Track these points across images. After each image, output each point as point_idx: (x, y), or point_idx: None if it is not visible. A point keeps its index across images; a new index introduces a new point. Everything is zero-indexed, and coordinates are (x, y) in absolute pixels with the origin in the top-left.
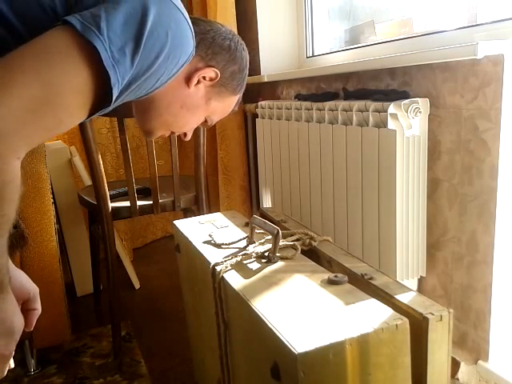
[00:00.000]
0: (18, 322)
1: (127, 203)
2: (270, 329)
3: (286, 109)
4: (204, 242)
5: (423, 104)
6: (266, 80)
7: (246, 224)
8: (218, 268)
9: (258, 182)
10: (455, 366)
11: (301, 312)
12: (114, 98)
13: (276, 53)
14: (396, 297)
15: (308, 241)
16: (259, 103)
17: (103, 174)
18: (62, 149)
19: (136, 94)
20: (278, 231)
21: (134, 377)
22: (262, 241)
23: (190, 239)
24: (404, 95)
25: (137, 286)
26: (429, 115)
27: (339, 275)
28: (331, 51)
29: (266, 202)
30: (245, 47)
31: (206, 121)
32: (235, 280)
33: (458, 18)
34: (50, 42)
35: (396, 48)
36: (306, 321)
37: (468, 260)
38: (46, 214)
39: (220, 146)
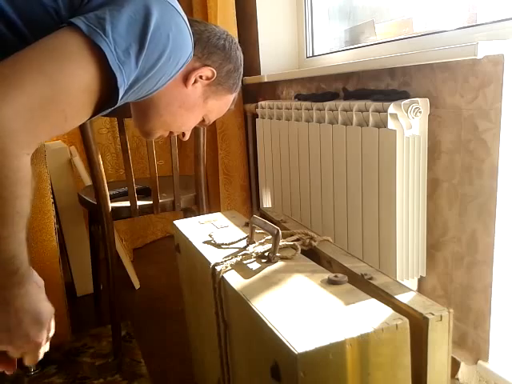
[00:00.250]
0: (47, 309)
1: (127, 203)
2: (270, 329)
3: (286, 109)
4: (204, 242)
5: (423, 104)
6: (265, 80)
7: (246, 224)
8: (218, 268)
9: (258, 182)
10: (455, 366)
11: (301, 312)
12: (119, 98)
13: (276, 53)
14: (396, 297)
15: (308, 241)
16: (259, 103)
17: (103, 174)
18: (62, 149)
19: (137, 94)
20: (278, 231)
21: (134, 377)
22: (262, 241)
23: (190, 239)
24: (404, 95)
25: (137, 286)
26: (429, 115)
27: (339, 275)
28: (331, 51)
29: (266, 202)
30: (239, 47)
31: (203, 120)
32: (235, 280)
33: (458, 18)
34: (57, 43)
35: (396, 48)
36: (306, 321)
37: (468, 260)
38: (46, 214)
39: (220, 146)
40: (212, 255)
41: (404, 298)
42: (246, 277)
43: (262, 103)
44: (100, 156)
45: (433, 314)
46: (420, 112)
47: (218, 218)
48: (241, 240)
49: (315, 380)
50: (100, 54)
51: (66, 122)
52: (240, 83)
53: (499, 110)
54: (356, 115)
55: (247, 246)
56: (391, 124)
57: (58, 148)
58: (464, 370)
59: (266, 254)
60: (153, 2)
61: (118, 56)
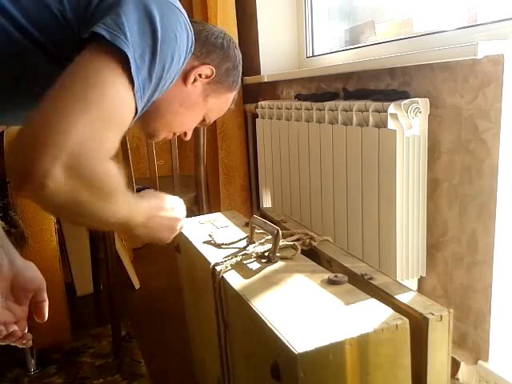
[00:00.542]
0: (174, 203)
1: None
2: (270, 329)
3: (286, 109)
4: (204, 242)
5: (423, 104)
6: (266, 80)
7: (246, 224)
8: (218, 268)
9: (258, 182)
10: (455, 366)
11: (301, 312)
12: (142, 106)
13: (276, 53)
14: (396, 297)
15: (308, 241)
16: (259, 103)
17: None
18: None
19: (154, 97)
20: (278, 231)
21: (134, 377)
22: (262, 241)
23: (190, 239)
24: (404, 95)
25: (137, 285)
26: (429, 115)
27: (339, 275)
28: (331, 51)
29: (266, 202)
30: (237, 46)
31: (204, 119)
32: (235, 280)
33: (458, 18)
34: (91, 67)
35: (396, 48)
36: (306, 321)
37: (468, 260)
38: (46, 213)
39: (220, 146)
40: (212, 255)
41: (404, 297)
42: (246, 277)
43: (261, 103)
44: None
45: (433, 314)
46: (420, 112)
47: (218, 218)
48: (241, 240)
49: (315, 380)
50: (123, 60)
51: (121, 132)
52: (239, 81)
53: (499, 110)
54: (356, 115)
55: (247, 246)
56: (391, 124)
57: None
58: (464, 370)
59: (266, 254)
60: (156, 3)
61: (136, 63)
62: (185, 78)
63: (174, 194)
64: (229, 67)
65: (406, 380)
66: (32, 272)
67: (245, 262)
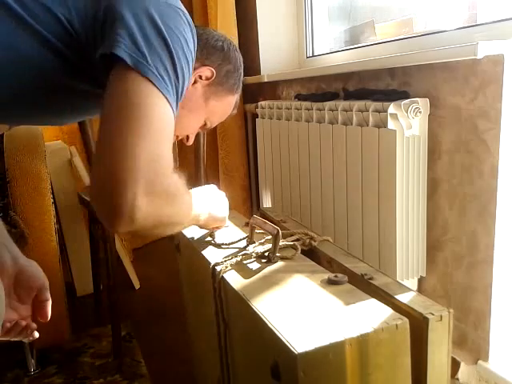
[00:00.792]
0: (221, 195)
1: None
2: (270, 329)
3: (286, 109)
4: (204, 242)
5: (423, 104)
6: (265, 80)
7: (246, 224)
8: (217, 268)
9: (258, 182)
10: (455, 366)
11: (301, 312)
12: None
13: (276, 53)
14: (396, 297)
15: (308, 241)
16: (259, 103)
17: None
18: (62, 149)
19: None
20: (278, 231)
21: (134, 377)
22: (262, 241)
23: (190, 239)
24: (404, 95)
25: (137, 286)
26: (429, 115)
27: (339, 275)
28: (331, 51)
29: (266, 202)
30: (237, 49)
31: (205, 124)
32: (235, 280)
33: (458, 18)
34: (130, 92)
35: (396, 48)
36: (306, 321)
37: (468, 260)
38: (46, 213)
39: (221, 146)
40: (212, 255)
41: (404, 297)
42: (245, 277)
43: (262, 103)
44: None
45: (433, 314)
46: (420, 112)
47: None
48: (241, 240)
49: (315, 380)
50: (151, 82)
51: (169, 150)
52: (241, 85)
53: (499, 110)
54: (356, 115)
55: (247, 246)
56: (391, 124)
57: (57, 148)
58: (464, 370)
59: (266, 254)
60: (159, 8)
61: (163, 78)
62: None
63: None
64: (229, 69)
65: (405, 380)
66: (35, 270)
67: (245, 262)
